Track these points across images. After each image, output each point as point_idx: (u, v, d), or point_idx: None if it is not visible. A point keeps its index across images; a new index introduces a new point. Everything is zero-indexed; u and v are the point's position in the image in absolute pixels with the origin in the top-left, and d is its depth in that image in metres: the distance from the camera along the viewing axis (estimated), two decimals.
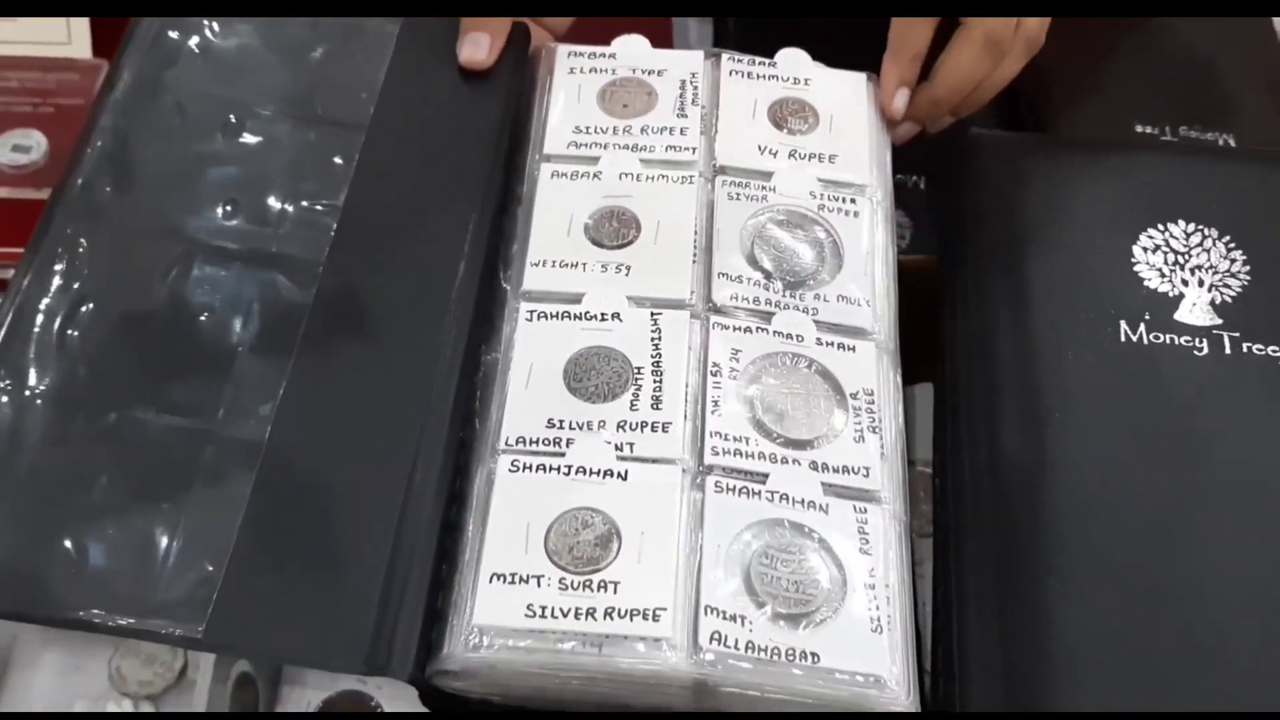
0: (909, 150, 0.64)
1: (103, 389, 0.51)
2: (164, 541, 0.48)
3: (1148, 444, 0.52)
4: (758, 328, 0.53)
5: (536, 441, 0.50)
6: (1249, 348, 0.55)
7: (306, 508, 0.48)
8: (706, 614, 0.46)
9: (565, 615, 0.46)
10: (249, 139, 0.58)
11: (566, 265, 0.55)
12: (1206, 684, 0.47)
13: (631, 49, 0.62)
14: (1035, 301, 0.56)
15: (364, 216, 0.56)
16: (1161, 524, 0.50)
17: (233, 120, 0.59)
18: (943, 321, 0.59)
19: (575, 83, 0.61)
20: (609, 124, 0.59)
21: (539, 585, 0.46)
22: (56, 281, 0.53)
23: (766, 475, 0.49)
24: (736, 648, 0.45)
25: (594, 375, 0.51)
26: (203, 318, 0.53)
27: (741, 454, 0.50)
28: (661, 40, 0.72)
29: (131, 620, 0.46)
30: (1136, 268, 0.57)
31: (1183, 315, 0.56)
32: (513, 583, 0.46)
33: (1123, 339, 0.55)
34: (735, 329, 0.53)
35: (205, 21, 0.61)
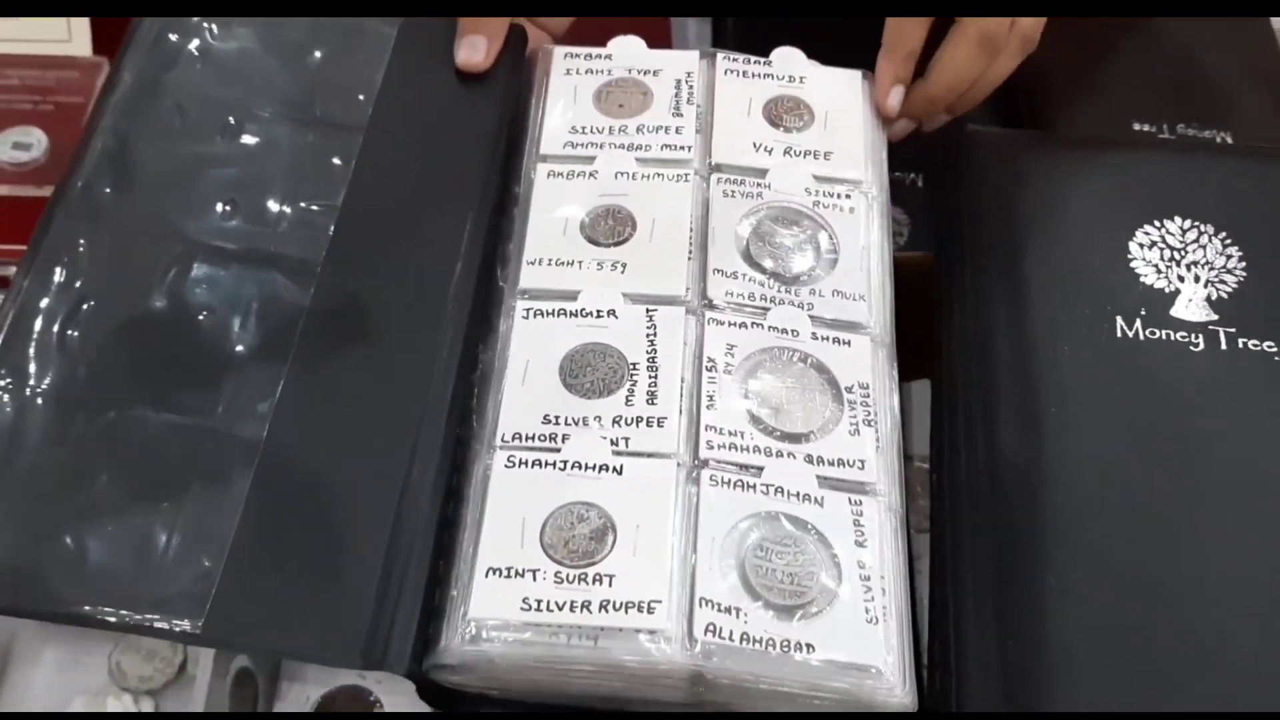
0: (907, 148, 0.64)
1: (102, 387, 0.52)
2: (163, 538, 0.48)
3: (1144, 439, 0.52)
4: (753, 323, 0.53)
5: (532, 437, 0.50)
6: (1245, 343, 0.55)
7: (304, 504, 0.49)
8: (701, 606, 0.46)
9: (561, 608, 0.46)
10: (248, 140, 0.59)
11: (563, 263, 0.55)
12: (1200, 677, 0.47)
13: (627, 50, 0.63)
14: (1032, 298, 0.56)
15: (362, 217, 0.56)
16: (1157, 519, 0.50)
17: (232, 122, 0.59)
18: (940, 318, 0.59)
19: (571, 84, 0.61)
20: (605, 124, 0.60)
21: (534, 579, 0.47)
22: (57, 282, 0.54)
23: (762, 468, 0.50)
24: (731, 639, 0.45)
25: (590, 371, 0.52)
26: (202, 317, 0.54)
27: (737, 448, 0.50)
28: (660, 41, 0.72)
29: (131, 615, 0.46)
30: (1133, 264, 0.57)
31: (1179, 311, 0.56)
32: (509, 577, 0.47)
33: (1119, 335, 0.55)
34: (730, 324, 0.53)
35: (205, 24, 0.62)
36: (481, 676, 0.47)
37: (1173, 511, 0.50)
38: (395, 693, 0.55)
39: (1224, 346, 0.55)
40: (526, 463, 0.50)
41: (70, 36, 0.73)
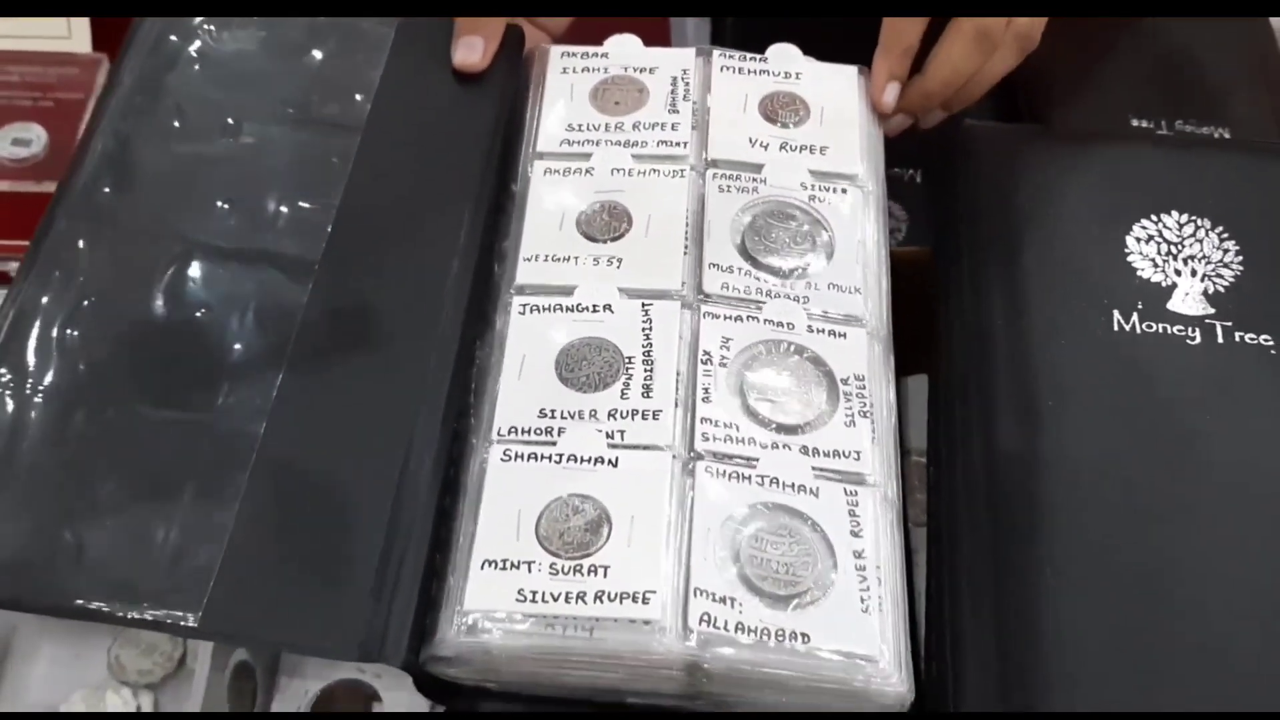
0: (905, 144, 0.64)
1: (102, 384, 0.52)
2: (162, 532, 0.48)
3: (1140, 433, 0.52)
4: (748, 316, 0.53)
5: (528, 431, 0.50)
6: (1241, 337, 0.55)
7: (303, 497, 0.49)
8: (696, 596, 0.46)
9: (556, 599, 0.46)
10: (247, 140, 0.59)
11: (559, 259, 0.55)
12: (1194, 666, 0.47)
13: (623, 48, 0.63)
14: (1029, 292, 0.56)
15: (360, 216, 0.56)
16: (1153, 513, 0.50)
17: (231, 122, 0.59)
18: (937, 313, 0.59)
19: (568, 82, 0.61)
20: (601, 121, 0.60)
21: (530, 571, 0.47)
22: (57, 281, 0.54)
23: (757, 460, 0.50)
24: (726, 629, 0.46)
25: (585, 365, 0.52)
26: (200, 315, 0.54)
27: (732, 440, 0.50)
28: (659, 41, 0.72)
29: (130, 609, 0.46)
30: (1130, 258, 0.57)
31: (1176, 305, 0.56)
32: (504, 569, 0.47)
33: (1116, 328, 0.55)
34: (726, 318, 0.53)
35: (205, 26, 0.62)
36: (478, 668, 0.48)
37: (1169, 504, 0.50)
38: (395, 688, 0.55)
39: (1220, 340, 0.55)
40: (522, 456, 0.50)
41: (70, 33, 0.73)
